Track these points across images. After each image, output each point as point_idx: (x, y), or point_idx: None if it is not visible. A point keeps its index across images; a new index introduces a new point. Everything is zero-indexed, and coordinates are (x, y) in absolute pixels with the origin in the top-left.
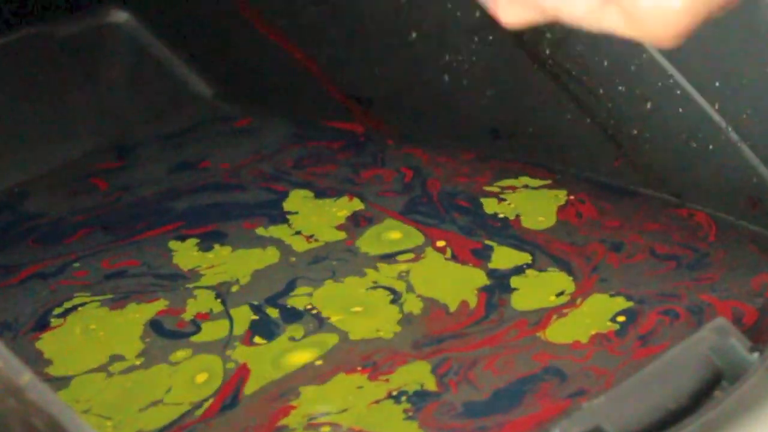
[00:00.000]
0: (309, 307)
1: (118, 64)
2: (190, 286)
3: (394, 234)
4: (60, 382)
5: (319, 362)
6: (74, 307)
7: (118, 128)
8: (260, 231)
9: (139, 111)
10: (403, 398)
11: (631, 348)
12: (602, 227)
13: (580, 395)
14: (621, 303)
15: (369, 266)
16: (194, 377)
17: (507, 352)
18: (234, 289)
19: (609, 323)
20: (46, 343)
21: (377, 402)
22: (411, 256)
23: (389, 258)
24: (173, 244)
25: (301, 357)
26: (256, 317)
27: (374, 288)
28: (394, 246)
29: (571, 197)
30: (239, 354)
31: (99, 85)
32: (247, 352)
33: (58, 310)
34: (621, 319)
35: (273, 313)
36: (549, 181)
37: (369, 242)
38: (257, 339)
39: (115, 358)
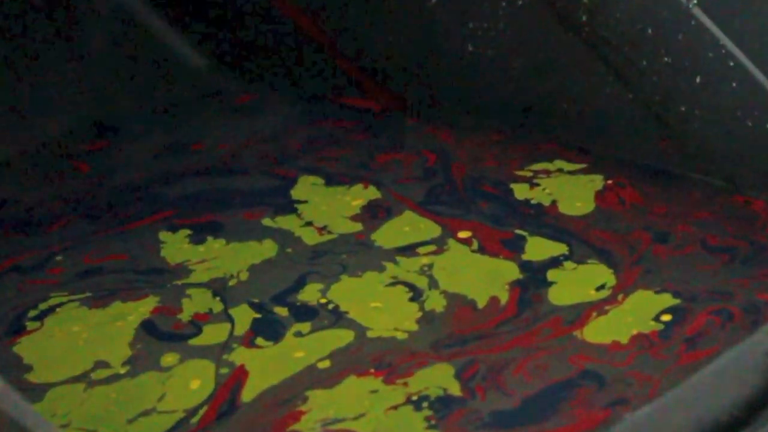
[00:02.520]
0: (323, 301)
1: (101, 32)
2: (180, 282)
3: (413, 226)
4: (39, 391)
5: (326, 363)
6: (51, 309)
7: (101, 104)
8: (266, 222)
9: (125, 85)
10: (425, 404)
11: (677, 352)
12: (648, 213)
13: (620, 404)
14: (667, 300)
15: (387, 260)
16: (188, 383)
17: (540, 354)
18: (232, 284)
19: (652, 323)
20: (24, 348)
21: (395, 408)
22: (433, 248)
23: (408, 251)
24: (163, 236)
25: (307, 358)
26: (258, 316)
27: (393, 284)
28: (413, 238)
29: (609, 182)
30: (237, 356)
31: (79, 56)
32: (248, 354)
33: (33, 313)
34: (666, 318)
35: (280, 311)
36: (584, 165)
37: (386, 235)
38: (259, 340)
39: (100, 364)
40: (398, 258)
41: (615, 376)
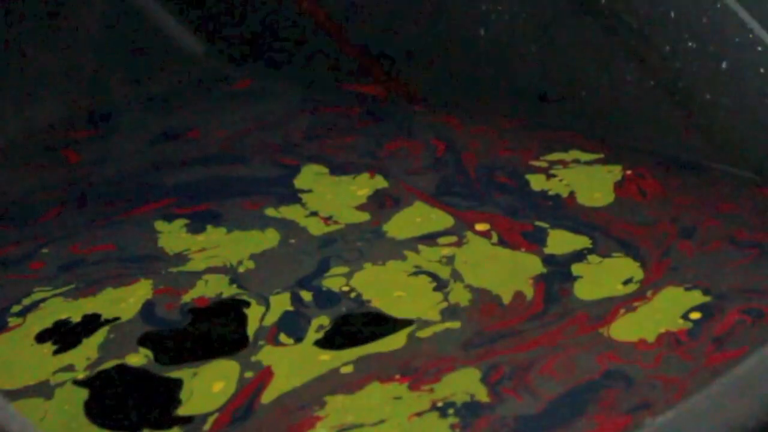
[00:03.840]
0: (345, 289)
1: (93, 15)
2: (176, 270)
3: (426, 217)
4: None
5: (348, 368)
6: (35, 304)
7: (93, 92)
8: (270, 212)
9: (118, 71)
10: (451, 411)
11: (704, 352)
12: (672, 205)
13: (644, 408)
14: (697, 297)
15: (400, 252)
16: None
17: (566, 353)
18: (241, 270)
19: (681, 321)
20: None
21: (419, 414)
22: (453, 239)
23: (425, 242)
24: (159, 225)
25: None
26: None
27: (415, 273)
28: (426, 229)
29: (629, 172)
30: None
31: (70, 40)
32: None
33: (16, 308)
34: (695, 316)
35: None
36: (601, 155)
37: (397, 226)
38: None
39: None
40: (415, 249)
41: (641, 378)
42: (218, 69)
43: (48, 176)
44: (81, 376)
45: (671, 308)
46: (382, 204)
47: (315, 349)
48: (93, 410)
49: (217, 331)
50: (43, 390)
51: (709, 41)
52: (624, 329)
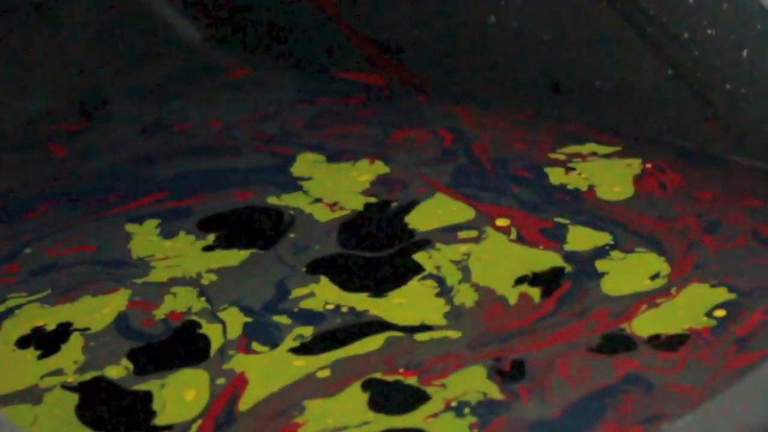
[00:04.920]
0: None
1: (84, 1)
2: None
3: (442, 209)
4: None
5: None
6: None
7: (83, 82)
8: (272, 200)
9: (110, 59)
10: (466, 409)
11: (725, 353)
12: (694, 199)
13: (660, 419)
14: (723, 294)
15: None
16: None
17: (584, 353)
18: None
19: (705, 318)
20: None
21: (435, 416)
22: (474, 233)
23: (445, 235)
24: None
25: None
26: (249, 319)
27: (424, 277)
28: (446, 222)
29: (648, 165)
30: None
31: (59, 28)
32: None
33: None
34: (719, 313)
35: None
36: (619, 148)
37: (414, 216)
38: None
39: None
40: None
41: (661, 384)
42: (215, 57)
43: (37, 170)
44: (71, 379)
45: (696, 305)
46: (389, 188)
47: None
48: (85, 414)
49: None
50: (33, 395)
51: (730, 29)
52: (645, 326)
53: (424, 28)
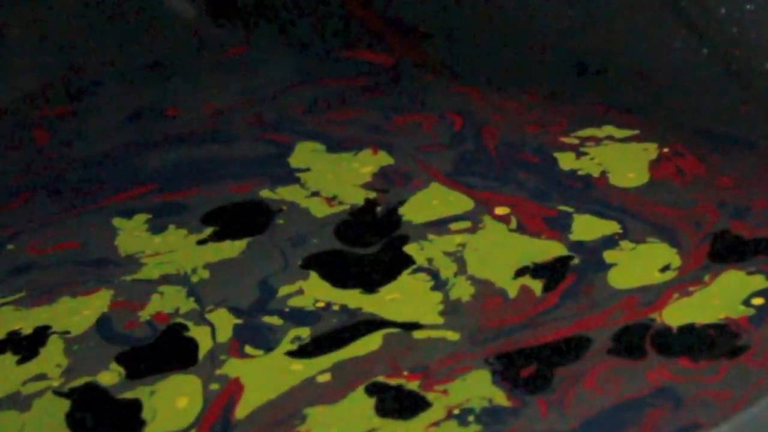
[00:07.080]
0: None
1: None
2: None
3: (440, 199)
4: None
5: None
6: None
7: (69, 63)
8: (265, 193)
9: (97, 39)
10: (471, 417)
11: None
12: (714, 187)
13: (695, 428)
14: (760, 282)
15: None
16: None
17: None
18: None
19: (742, 307)
20: None
21: (436, 424)
22: (468, 224)
23: (439, 227)
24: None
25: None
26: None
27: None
28: (442, 212)
29: (665, 150)
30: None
31: (42, 6)
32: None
33: None
34: (758, 301)
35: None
36: (637, 131)
37: (411, 208)
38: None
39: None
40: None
41: (692, 394)
42: (210, 34)
43: (19, 158)
44: (56, 384)
45: (731, 294)
46: (391, 181)
47: None
48: (74, 421)
49: None
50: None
51: None
52: (678, 316)
53: (435, 2)
